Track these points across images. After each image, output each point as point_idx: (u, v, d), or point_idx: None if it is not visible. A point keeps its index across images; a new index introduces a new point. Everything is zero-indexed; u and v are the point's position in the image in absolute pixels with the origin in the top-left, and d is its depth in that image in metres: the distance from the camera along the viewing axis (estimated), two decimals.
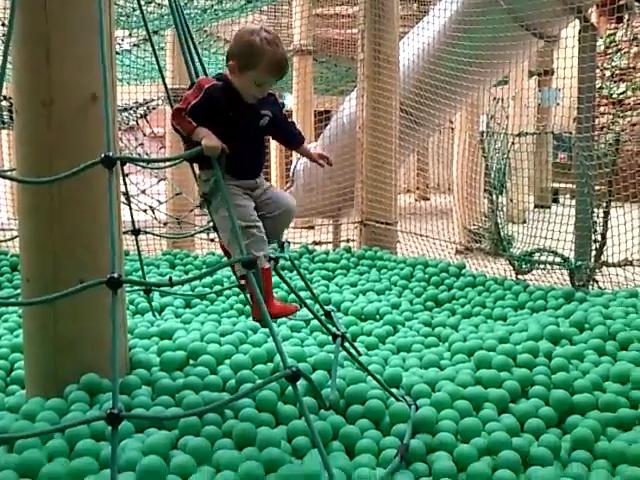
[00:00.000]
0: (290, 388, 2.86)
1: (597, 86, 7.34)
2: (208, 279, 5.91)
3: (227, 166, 3.01)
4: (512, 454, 2.95)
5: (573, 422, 3.33)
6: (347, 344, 3.58)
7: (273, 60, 3.03)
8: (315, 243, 8.23)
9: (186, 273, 6.44)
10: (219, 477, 2.67)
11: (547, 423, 3.34)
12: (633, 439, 3.11)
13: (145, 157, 8.76)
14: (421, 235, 7.82)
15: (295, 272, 5.65)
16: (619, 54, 16.97)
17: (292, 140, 3.53)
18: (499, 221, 6.85)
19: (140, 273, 4.92)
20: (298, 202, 8.93)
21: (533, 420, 3.33)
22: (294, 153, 10.75)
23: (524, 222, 7.95)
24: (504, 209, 7.17)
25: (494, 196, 6.89)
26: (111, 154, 2.66)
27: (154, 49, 4.58)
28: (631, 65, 17.18)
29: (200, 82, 3.04)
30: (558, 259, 6.31)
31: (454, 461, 2.94)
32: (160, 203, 8.72)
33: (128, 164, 4.12)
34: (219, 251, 5.71)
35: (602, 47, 16.50)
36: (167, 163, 6.12)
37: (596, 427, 3.23)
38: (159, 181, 9.06)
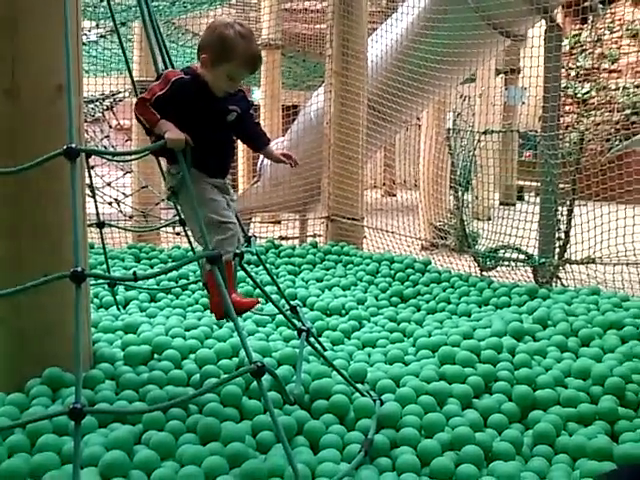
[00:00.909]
0: (255, 383, 2.85)
1: (562, 85, 7.41)
2: (174, 273, 5.87)
3: (195, 162, 2.99)
4: (475, 449, 2.99)
5: (535, 417, 3.38)
6: (312, 339, 3.58)
7: (247, 54, 3.01)
8: (281, 238, 8.23)
9: (151, 267, 6.39)
10: (183, 472, 2.65)
11: (510, 418, 3.38)
12: (593, 434, 3.16)
13: (111, 149, 8.68)
14: (387, 231, 7.85)
15: (261, 267, 5.64)
16: (584, 54, 17.19)
17: (257, 141, 3.46)
18: (464, 218, 6.91)
19: (105, 266, 4.88)
20: (265, 197, 8.94)
21: (496, 415, 3.37)
22: None
23: (489, 219, 8.02)
24: (469, 206, 7.22)
25: (460, 193, 6.94)
26: (74, 145, 2.62)
27: (121, 41, 4.54)
28: (595, 65, 17.40)
29: (167, 74, 3.00)
30: (522, 256, 6.38)
31: (418, 456, 2.96)
32: (126, 196, 8.65)
33: (93, 156, 4.07)
34: (185, 245, 5.67)
35: (567, 47, 16.70)
36: (133, 156, 6.07)
37: (557, 422, 3.28)
38: (125, 174, 8.98)
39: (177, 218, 4.37)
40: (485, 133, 6.99)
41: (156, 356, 3.80)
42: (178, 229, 6.16)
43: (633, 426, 3.28)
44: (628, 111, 15.91)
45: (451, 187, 7.40)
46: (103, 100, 9.47)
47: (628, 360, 3.95)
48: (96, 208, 4.67)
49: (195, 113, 3.00)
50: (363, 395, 3.38)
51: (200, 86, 3.03)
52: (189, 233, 4.88)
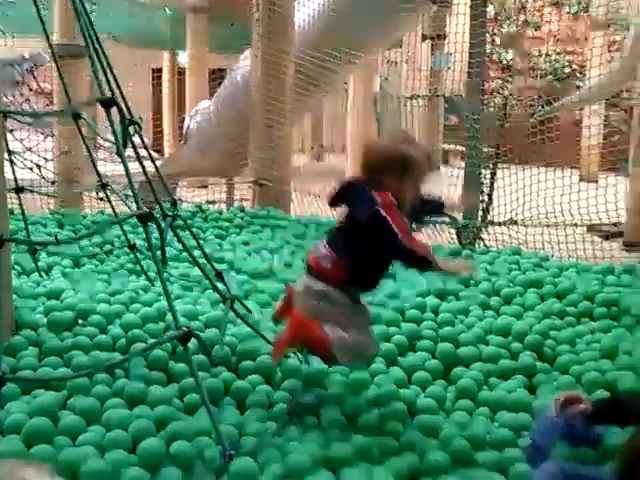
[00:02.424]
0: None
1: (487, 51, 7.51)
2: (98, 238, 5.77)
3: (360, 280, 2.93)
4: (400, 405, 3.06)
5: (458, 374, 3.47)
6: (240, 304, 3.59)
7: (425, 158, 2.99)
8: (208, 202, 8.15)
9: (75, 232, 6.26)
10: (109, 436, 2.65)
11: (433, 375, 3.47)
12: (512, 388, 3.27)
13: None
14: (315, 195, 7.87)
15: (187, 231, 5.60)
16: (508, 21, 17.41)
17: None
18: None
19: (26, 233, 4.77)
20: (191, 161, 8.83)
21: (420, 373, 3.45)
22: (187, 110, 10.58)
23: None
24: None
25: None
26: None
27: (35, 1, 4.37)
28: (519, 32, 17.66)
29: (381, 200, 2.81)
30: (446, 219, 6.49)
31: (344, 414, 3.01)
32: (47, 161, 8.41)
33: (10, 119, 3.96)
34: (108, 210, 5.57)
35: (493, 13, 16.88)
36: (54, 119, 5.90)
37: (479, 378, 3.38)
38: (46, 138, 8.73)
39: (100, 183, 4.29)
40: (411, 98, 7.06)
41: (81, 322, 3.75)
42: (101, 194, 6.03)
43: (550, 379, 3.41)
44: (550, 77, 16.25)
45: None
46: (23, 63, 9.17)
47: (546, 317, 4.10)
48: (13, 173, 4.53)
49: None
50: (288, 356, 3.41)
51: None
52: (112, 198, 4.82)
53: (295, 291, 3.04)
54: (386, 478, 2.53)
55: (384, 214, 2.79)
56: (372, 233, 2.83)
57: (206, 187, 9.60)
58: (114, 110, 2.92)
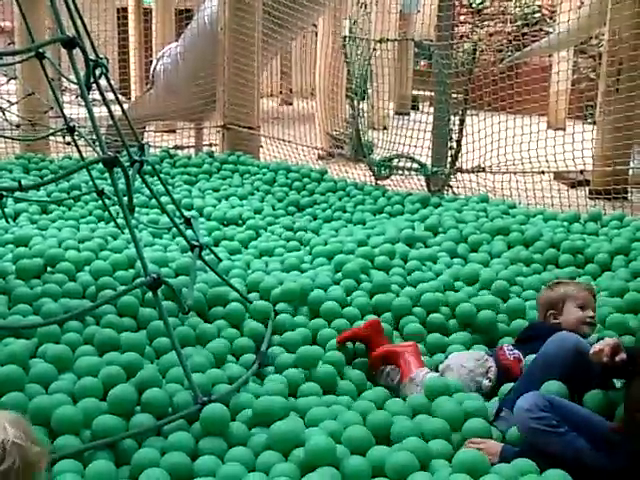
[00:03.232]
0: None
1: None
2: (65, 184, 5.70)
3: None
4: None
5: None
6: (209, 251, 3.60)
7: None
8: (176, 147, 8.05)
9: (41, 178, 6.16)
10: (80, 383, 2.66)
11: None
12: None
13: None
14: (284, 140, 7.82)
15: (156, 177, 5.56)
16: None
17: None
18: (360, 127, 6.94)
19: None
20: (159, 105, 8.69)
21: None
22: (154, 52, 10.38)
23: (385, 128, 8.09)
24: (365, 115, 7.26)
25: (355, 102, 6.95)
26: None
27: None
28: None
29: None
30: (416, 165, 6.51)
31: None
32: (11, 104, 8.22)
33: None
34: (76, 155, 5.49)
35: None
36: (16, 59, 5.74)
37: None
38: (9, 80, 8.52)
39: (66, 126, 4.22)
40: (381, 41, 6.98)
41: (49, 269, 3.73)
42: (68, 138, 5.93)
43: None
44: (520, 22, 16.15)
45: (347, 96, 7.40)
46: None
47: (513, 264, 4.16)
48: None
49: None
50: (250, 302, 3.45)
51: None
52: (80, 142, 4.75)
53: None
54: (350, 417, 2.59)
55: None
56: None
57: (174, 132, 9.48)
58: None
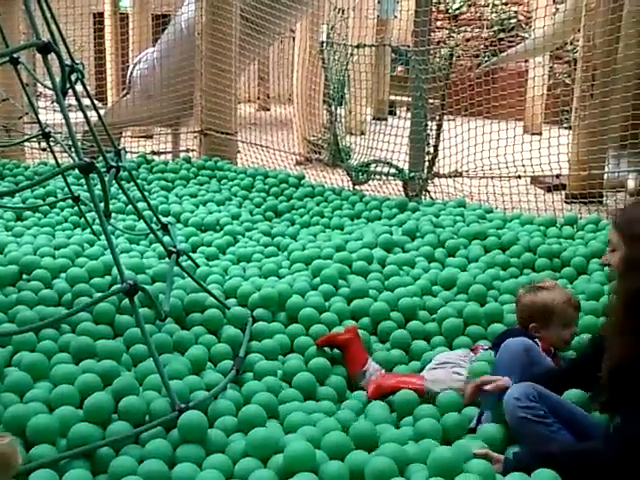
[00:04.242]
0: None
1: (434, 0, 7.48)
2: (41, 190, 5.66)
3: None
4: None
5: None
6: (186, 257, 3.58)
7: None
8: (154, 153, 8.02)
9: (16, 184, 6.11)
10: (56, 392, 2.63)
11: None
12: None
13: None
14: (261, 146, 7.81)
15: (132, 183, 5.53)
16: None
17: None
18: (338, 132, 6.95)
19: None
20: (135, 110, 8.65)
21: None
22: (130, 58, 10.32)
23: (362, 133, 8.10)
24: (343, 120, 7.27)
25: (333, 107, 6.96)
26: None
27: None
28: None
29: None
30: (393, 170, 6.53)
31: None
32: None
33: None
34: (51, 161, 5.45)
35: None
36: None
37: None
38: None
39: (41, 132, 4.19)
40: (358, 47, 7.00)
41: (25, 276, 3.70)
42: (44, 144, 5.89)
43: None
44: (496, 28, 16.27)
45: (325, 102, 7.41)
46: None
47: (490, 268, 4.18)
48: None
49: None
50: (228, 308, 3.44)
51: None
52: (55, 148, 4.71)
53: None
54: (329, 424, 2.58)
55: None
56: None
57: (151, 137, 9.44)
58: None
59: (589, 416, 2.48)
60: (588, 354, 2.69)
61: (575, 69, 8.12)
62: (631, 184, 7.13)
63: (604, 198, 6.67)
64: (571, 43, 11.61)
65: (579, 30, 7.71)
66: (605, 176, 7.11)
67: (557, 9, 11.44)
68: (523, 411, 2.38)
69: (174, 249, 3.40)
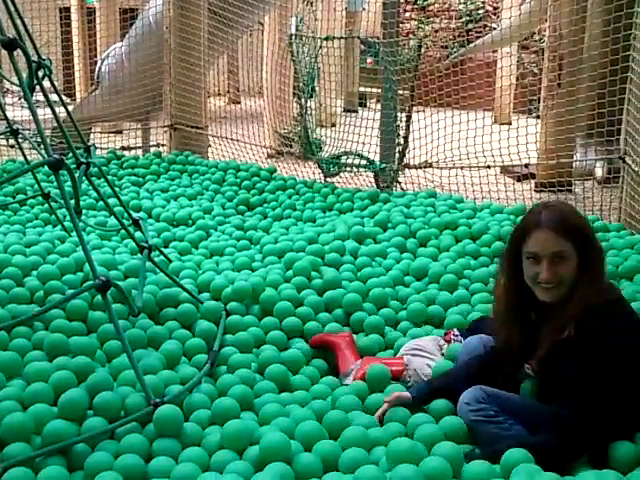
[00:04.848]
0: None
1: None
2: (10, 188, 5.61)
3: None
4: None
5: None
6: (158, 252, 3.58)
7: None
8: (123, 148, 7.98)
9: None
10: (30, 389, 2.62)
11: None
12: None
13: None
14: (232, 139, 7.80)
15: (103, 179, 5.50)
16: None
17: None
18: (308, 125, 6.96)
19: None
20: (104, 105, 8.59)
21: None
22: (98, 53, 10.23)
23: (333, 126, 8.12)
24: (313, 113, 7.28)
25: (303, 100, 6.97)
26: None
27: None
28: None
29: None
30: (364, 162, 6.55)
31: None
32: None
33: None
34: (20, 158, 5.41)
35: None
36: None
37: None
38: None
39: (9, 129, 4.16)
40: (327, 39, 7.00)
41: None
42: (12, 141, 5.84)
43: None
44: (465, 19, 16.36)
45: (295, 94, 7.41)
46: None
47: (461, 257, 4.23)
48: None
49: None
50: (201, 302, 3.45)
51: None
52: (24, 145, 4.67)
53: None
54: (303, 413, 2.61)
55: None
56: None
57: (121, 132, 9.37)
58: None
59: (540, 405, 2.52)
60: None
61: (543, 59, 8.20)
62: (599, 172, 7.23)
63: (573, 186, 6.76)
64: (538, 33, 11.71)
65: (546, 20, 7.78)
66: (574, 165, 7.20)
67: (523, 0, 11.53)
68: (474, 414, 2.47)
69: (146, 244, 3.40)
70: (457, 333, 3.22)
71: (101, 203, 5.14)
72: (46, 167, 2.77)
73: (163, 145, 8.02)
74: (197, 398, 2.70)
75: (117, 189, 5.13)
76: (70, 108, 4.49)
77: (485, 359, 2.73)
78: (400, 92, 6.42)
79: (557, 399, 2.37)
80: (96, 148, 6.40)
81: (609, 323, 2.31)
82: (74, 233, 4.40)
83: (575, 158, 7.34)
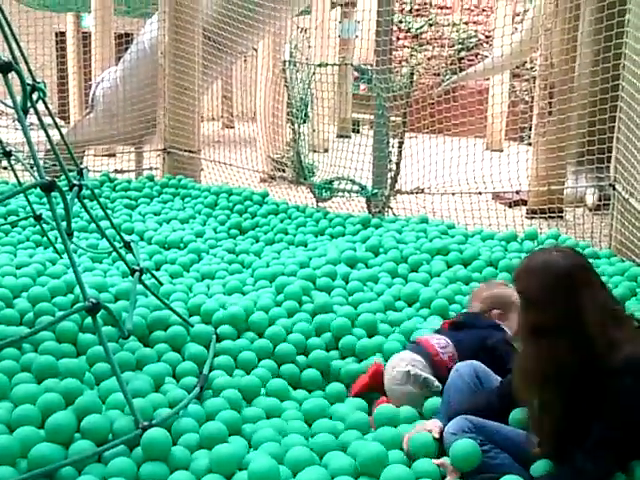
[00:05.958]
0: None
1: (396, 20, 7.58)
2: (2, 209, 5.61)
3: None
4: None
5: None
6: (149, 275, 3.57)
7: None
8: (117, 171, 7.99)
9: None
10: (17, 412, 2.60)
11: None
12: None
13: None
14: (225, 163, 7.83)
15: (95, 201, 5.50)
16: None
17: None
18: (301, 150, 6.99)
19: None
20: (98, 129, 8.62)
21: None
22: (93, 77, 10.29)
23: (326, 151, 8.16)
24: (306, 138, 7.32)
25: (296, 125, 7.01)
26: None
27: None
28: (428, 1, 17.84)
29: None
30: (356, 187, 6.58)
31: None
32: None
33: None
34: (13, 180, 5.41)
35: None
36: None
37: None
38: None
39: (2, 151, 4.17)
40: (320, 66, 7.06)
41: None
42: (5, 163, 5.84)
43: None
44: (457, 46, 16.52)
45: (288, 119, 7.45)
46: None
47: (452, 283, 4.24)
48: None
49: None
50: (191, 325, 3.44)
51: None
52: (17, 167, 4.67)
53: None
54: (294, 439, 2.60)
55: None
56: None
57: (114, 155, 9.40)
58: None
59: (525, 434, 2.49)
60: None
61: (534, 87, 8.28)
62: (589, 199, 7.27)
63: (564, 213, 6.80)
64: (530, 62, 11.82)
65: (537, 49, 7.87)
66: (565, 191, 7.24)
67: (516, 29, 11.65)
68: None
69: (137, 267, 3.39)
70: (439, 341, 3.16)
71: (93, 225, 5.13)
72: (38, 189, 2.77)
73: (156, 169, 8.04)
74: (185, 422, 2.68)
75: (109, 211, 5.13)
76: (64, 131, 4.50)
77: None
78: (392, 118, 6.47)
79: (574, 446, 2.27)
80: (89, 171, 6.42)
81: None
82: (65, 255, 4.39)
83: (566, 185, 7.39)
